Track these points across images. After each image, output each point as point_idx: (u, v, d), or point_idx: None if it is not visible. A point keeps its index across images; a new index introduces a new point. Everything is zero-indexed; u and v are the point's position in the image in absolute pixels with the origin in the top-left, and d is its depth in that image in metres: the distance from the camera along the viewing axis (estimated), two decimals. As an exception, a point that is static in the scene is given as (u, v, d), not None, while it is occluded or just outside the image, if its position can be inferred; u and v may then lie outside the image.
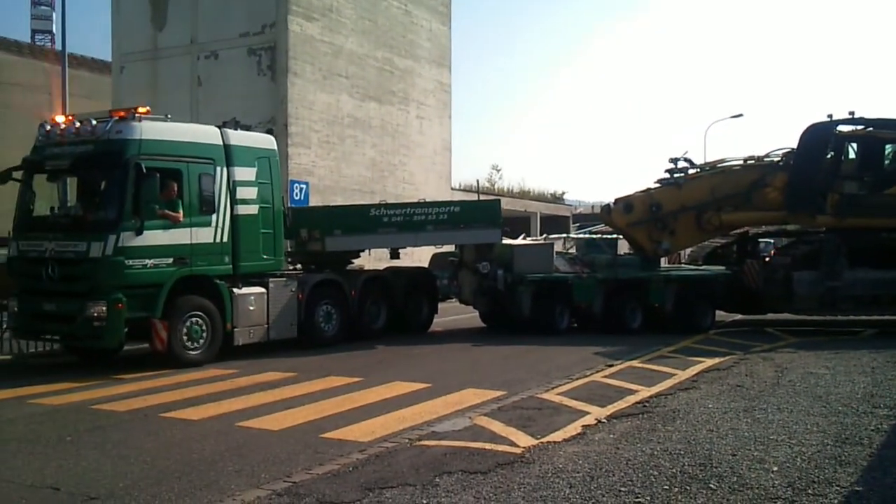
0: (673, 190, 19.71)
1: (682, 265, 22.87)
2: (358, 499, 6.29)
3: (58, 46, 34.15)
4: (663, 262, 21.37)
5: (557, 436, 8.23)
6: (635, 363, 13.39)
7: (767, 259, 19.70)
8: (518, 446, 7.79)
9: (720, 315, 19.99)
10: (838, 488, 6.42)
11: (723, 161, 20.38)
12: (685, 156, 20.18)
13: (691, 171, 20.15)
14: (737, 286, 19.01)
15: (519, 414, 9.34)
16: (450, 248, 21.72)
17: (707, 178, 19.89)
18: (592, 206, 62.39)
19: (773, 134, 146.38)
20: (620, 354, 14.31)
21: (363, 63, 28.80)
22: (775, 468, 6.95)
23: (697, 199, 19.52)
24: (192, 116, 24.62)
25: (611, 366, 13.11)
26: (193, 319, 13.48)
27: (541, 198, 52.87)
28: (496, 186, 53.06)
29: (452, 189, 35.46)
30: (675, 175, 20.00)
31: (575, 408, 9.69)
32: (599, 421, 8.96)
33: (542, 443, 7.93)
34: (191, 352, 13.44)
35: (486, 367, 13.50)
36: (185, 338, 13.34)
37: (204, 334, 13.61)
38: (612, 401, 10.10)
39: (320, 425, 8.91)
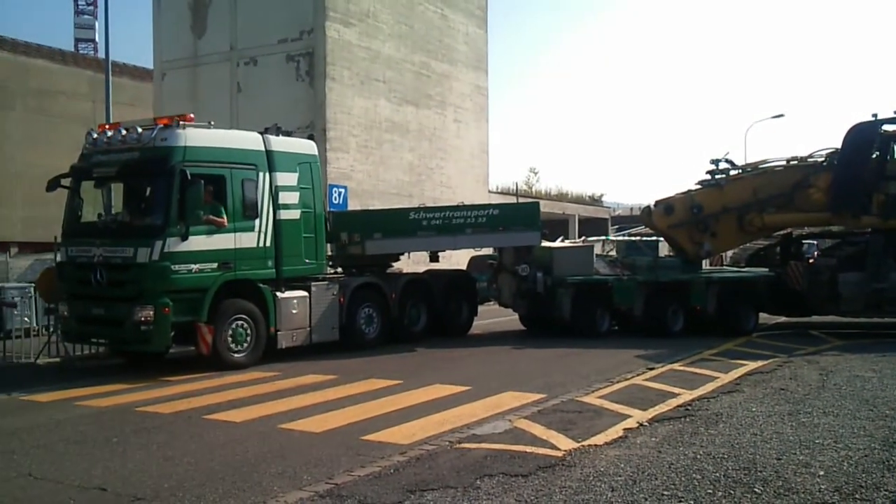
0: (714, 191, 19.53)
1: (725, 267, 22.64)
2: (399, 501, 6.32)
3: (101, 55, 34.82)
4: (705, 265, 21.18)
5: (599, 439, 8.20)
6: (676, 366, 13.27)
7: (811, 260, 19.43)
8: (559, 449, 7.77)
9: (763, 318, 19.77)
10: (886, 493, 6.31)
11: (765, 162, 20.12)
12: (726, 157, 20.01)
13: (733, 173, 19.96)
14: (780, 288, 18.80)
15: (559, 417, 9.31)
16: (488, 251, 21.72)
17: (749, 178, 19.66)
18: (631, 209, 61.98)
19: (815, 134, 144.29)
20: (661, 357, 14.20)
21: (400, 67, 28.92)
22: (821, 472, 6.85)
23: (739, 201, 19.32)
24: (231, 122, 24.84)
25: (651, 369, 13.01)
26: (238, 323, 13.67)
27: (579, 200, 52.72)
28: (534, 189, 53.00)
29: (490, 192, 35.45)
30: (717, 176, 19.83)
31: (616, 411, 9.63)
32: (641, 424, 8.90)
33: (583, 446, 7.90)
34: (235, 354, 13.62)
35: (525, 370, 13.47)
36: (229, 340, 13.53)
37: (248, 337, 13.79)
38: (654, 404, 10.02)
39: (361, 427, 8.96)
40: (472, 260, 24.74)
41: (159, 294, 12.74)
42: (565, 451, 7.71)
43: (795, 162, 19.63)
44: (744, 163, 20.85)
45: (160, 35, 28.47)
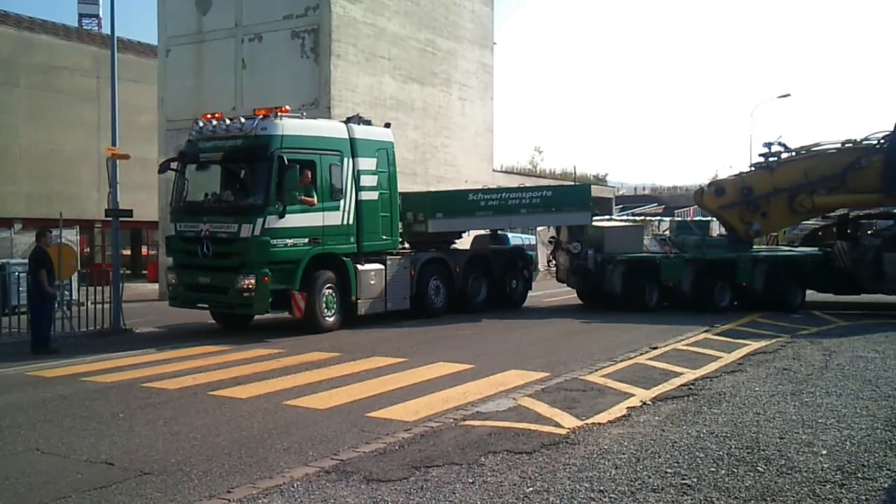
0: (765, 173, 20.00)
1: (778, 246, 22.94)
2: (404, 477, 6.35)
3: (104, 30, 34.59)
4: (762, 244, 21.85)
5: (602, 417, 8.23)
6: (680, 346, 13.31)
7: (858, 240, 19.82)
8: (563, 427, 7.81)
9: (811, 295, 20.32)
10: (888, 472, 6.34)
11: (818, 144, 20.36)
12: (779, 140, 20.43)
13: (784, 155, 20.20)
14: (829, 267, 19.36)
15: (563, 395, 9.35)
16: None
17: (801, 161, 20.02)
18: (635, 188, 61.76)
19: (824, 115, 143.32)
20: (666, 336, 14.24)
21: (405, 45, 28.74)
22: (824, 452, 6.89)
23: (790, 182, 19.72)
24: (236, 99, 24.85)
25: (655, 348, 13.04)
26: (327, 291, 15.37)
27: (583, 179, 52.57)
28: (538, 168, 52.86)
29: (494, 171, 35.33)
30: (769, 159, 20.09)
31: (619, 390, 9.67)
32: (644, 403, 8.94)
33: (586, 424, 7.94)
34: (327, 319, 15.34)
35: (530, 348, 13.53)
36: (323, 306, 15.21)
37: (334, 304, 15.51)
38: (657, 383, 10.06)
39: (366, 404, 9.02)
40: (476, 239, 24.75)
41: (260, 265, 14.41)
42: (569, 428, 7.75)
43: (850, 144, 19.77)
44: (798, 146, 20.95)
45: (165, 11, 28.26)
